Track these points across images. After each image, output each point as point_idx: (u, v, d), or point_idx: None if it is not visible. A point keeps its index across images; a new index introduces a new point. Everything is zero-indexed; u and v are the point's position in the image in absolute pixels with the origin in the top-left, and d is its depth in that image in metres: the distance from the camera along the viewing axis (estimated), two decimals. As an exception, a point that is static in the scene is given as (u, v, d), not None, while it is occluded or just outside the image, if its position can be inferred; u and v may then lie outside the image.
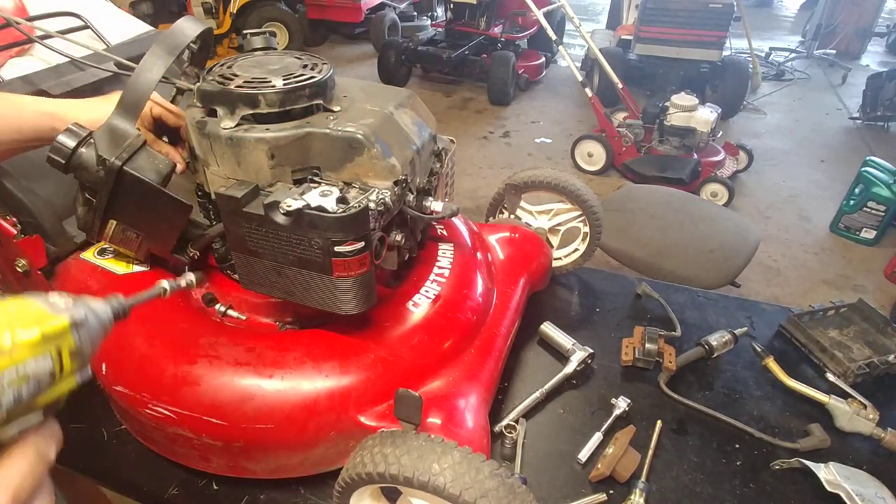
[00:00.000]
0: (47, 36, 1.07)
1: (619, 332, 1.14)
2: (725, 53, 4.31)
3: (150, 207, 0.74)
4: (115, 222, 0.76)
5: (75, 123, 0.70)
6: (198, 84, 0.74)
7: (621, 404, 0.96)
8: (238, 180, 0.71)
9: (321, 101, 0.74)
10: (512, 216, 1.24)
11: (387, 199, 0.70)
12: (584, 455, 0.88)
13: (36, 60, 1.10)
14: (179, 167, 0.80)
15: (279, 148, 0.70)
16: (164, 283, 0.53)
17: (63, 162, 0.69)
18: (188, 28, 0.70)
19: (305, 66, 0.76)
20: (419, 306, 0.86)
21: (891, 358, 1.04)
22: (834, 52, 6.23)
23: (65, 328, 0.34)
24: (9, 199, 0.86)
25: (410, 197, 0.78)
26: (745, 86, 4.34)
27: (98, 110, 0.77)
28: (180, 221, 0.78)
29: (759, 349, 1.07)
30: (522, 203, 1.25)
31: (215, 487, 0.83)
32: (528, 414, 0.95)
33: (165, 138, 0.87)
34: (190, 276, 0.57)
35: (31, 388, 0.32)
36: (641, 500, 0.81)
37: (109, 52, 1.11)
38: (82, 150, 0.69)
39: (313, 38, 6.06)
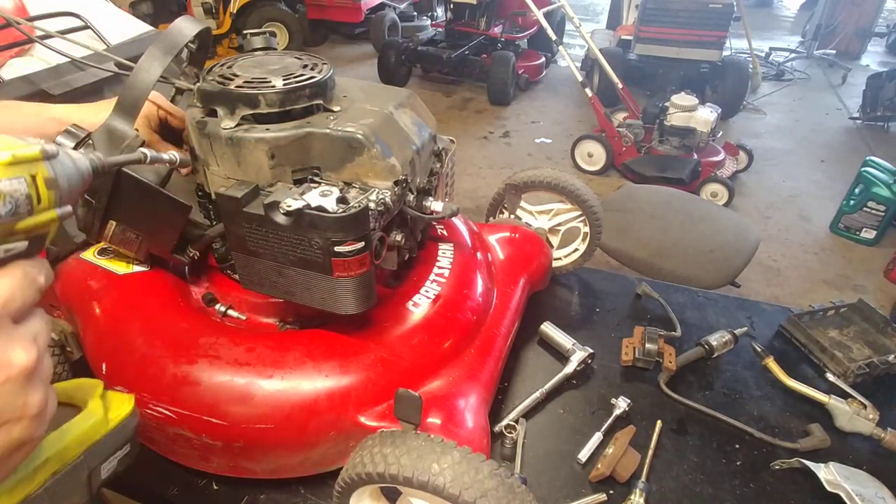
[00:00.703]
0: (47, 36, 1.07)
1: (619, 332, 1.14)
2: (725, 53, 4.32)
3: (150, 208, 0.74)
4: (114, 223, 0.76)
5: (74, 125, 0.70)
6: (198, 84, 0.74)
7: (621, 404, 0.96)
8: (238, 180, 0.71)
9: (321, 101, 0.74)
10: (512, 216, 1.24)
11: (387, 199, 0.70)
12: (584, 455, 0.88)
13: (36, 60, 1.10)
14: (185, 169, 0.80)
15: (279, 148, 0.70)
16: (145, 150, 0.54)
17: None
18: (186, 28, 0.70)
19: (305, 66, 0.76)
20: (419, 306, 0.86)
21: (891, 358, 1.04)
22: (834, 52, 6.23)
23: (37, 156, 0.35)
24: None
25: (410, 197, 0.78)
26: (745, 86, 4.34)
27: (104, 114, 0.77)
28: (180, 222, 0.78)
29: (759, 349, 1.07)
30: (522, 203, 1.25)
31: (215, 487, 0.83)
32: (528, 414, 0.95)
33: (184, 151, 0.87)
34: (174, 154, 0.57)
35: (7, 207, 0.33)
36: (641, 500, 0.81)
37: (109, 52, 1.11)
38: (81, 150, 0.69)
39: (313, 38, 6.06)
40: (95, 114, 0.78)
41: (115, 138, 0.68)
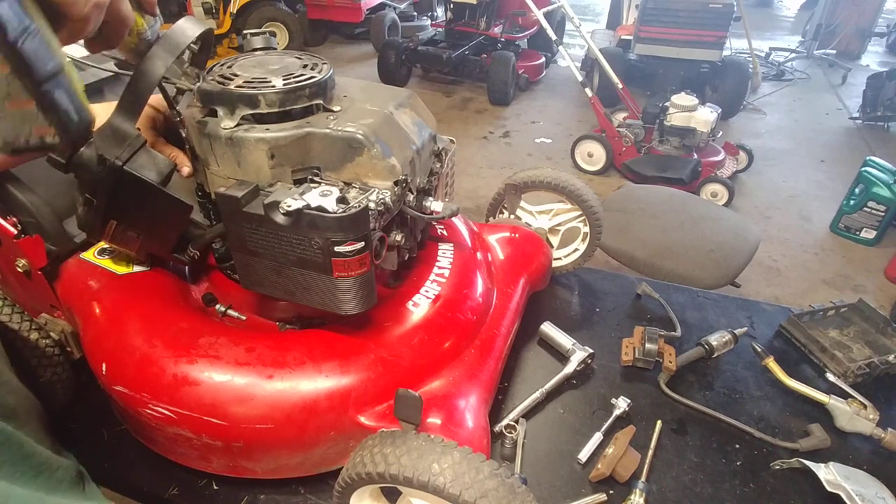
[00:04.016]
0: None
1: (619, 332, 1.14)
2: (725, 53, 4.32)
3: (151, 208, 0.74)
4: (115, 222, 0.76)
5: None
6: (198, 84, 0.74)
7: (621, 404, 0.96)
8: (238, 180, 0.71)
9: (321, 101, 0.74)
10: (512, 216, 1.24)
11: (387, 199, 0.70)
12: (584, 455, 0.88)
13: (36, 60, 1.10)
14: (186, 171, 0.80)
15: (279, 148, 0.70)
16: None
17: (63, 162, 0.69)
18: (189, 28, 0.70)
19: (305, 66, 0.76)
20: (419, 306, 0.86)
21: (891, 358, 1.04)
22: (834, 52, 6.24)
23: None
24: (9, 199, 0.86)
25: (410, 197, 0.78)
26: (745, 86, 4.34)
27: (105, 115, 0.77)
28: (181, 222, 0.78)
29: (759, 349, 1.07)
30: (522, 203, 1.25)
31: (215, 487, 0.83)
32: (528, 414, 0.95)
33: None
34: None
35: None
36: (641, 500, 0.81)
37: (110, 53, 1.10)
38: (83, 150, 0.69)
39: (313, 38, 6.06)
40: (98, 115, 0.78)
41: (117, 137, 0.68)
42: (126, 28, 0.60)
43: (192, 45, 0.75)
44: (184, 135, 0.79)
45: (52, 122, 0.46)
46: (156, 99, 0.84)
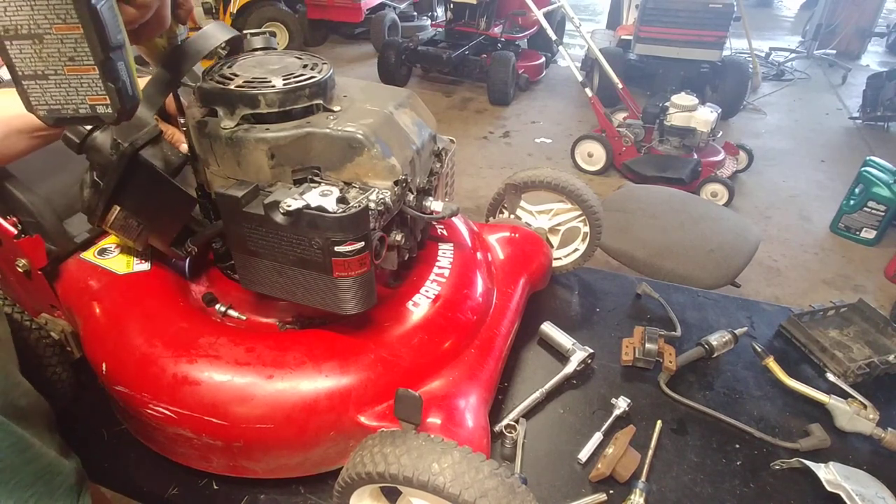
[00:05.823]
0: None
1: (619, 332, 1.14)
2: (725, 53, 4.31)
3: (157, 197, 0.75)
4: (118, 208, 0.76)
5: None
6: (198, 84, 0.74)
7: (621, 404, 0.96)
8: (238, 180, 0.71)
9: (321, 101, 0.74)
10: (512, 216, 1.24)
11: (387, 199, 0.70)
12: (584, 455, 0.88)
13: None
14: (185, 147, 0.80)
15: (279, 148, 0.70)
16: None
17: (77, 141, 0.71)
18: (217, 32, 0.72)
19: (305, 66, 0.76)
20: (419, 306, 0.86)
21: (891, 358, 1.04)
22: (834, 52, 6.23)
23: None
24: (9, 199, 0.86)
25: (410, 197, 0.78)
26: (745, 86, 4.34)
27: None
28: (185, 214, 0.78)
29: (759, 349, 1.07)
30: (522, 203, 1.25)
31: (215, 487, 0.83)
32: (528, 414, 0.95)
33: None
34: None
35: None
36: (641, 500, 0.81)
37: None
38: (97, 133, 0.71)
39: (313, 38, 6.06)
40: None
41: (134, 125, 0.69)
42: (161, 29, 0.62)
43: (220, 49, 0.76)
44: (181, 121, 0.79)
45: (110, 92, 0.47)
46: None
